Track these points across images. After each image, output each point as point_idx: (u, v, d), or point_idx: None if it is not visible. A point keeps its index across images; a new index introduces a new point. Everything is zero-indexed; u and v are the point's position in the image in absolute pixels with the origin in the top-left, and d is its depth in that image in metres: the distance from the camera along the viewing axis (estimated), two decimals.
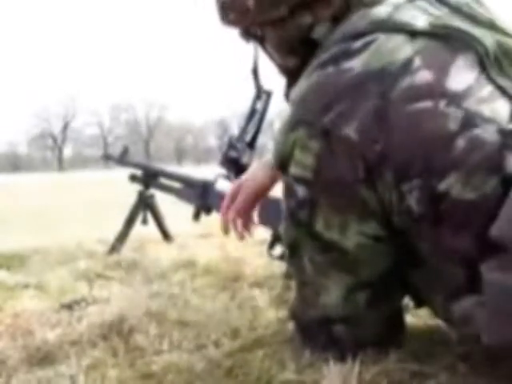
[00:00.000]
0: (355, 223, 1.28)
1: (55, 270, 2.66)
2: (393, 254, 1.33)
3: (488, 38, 1.24)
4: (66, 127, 72.56)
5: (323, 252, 1.34)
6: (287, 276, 2.16)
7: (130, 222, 3.12)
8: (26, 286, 2.36)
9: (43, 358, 1.53)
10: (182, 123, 77.77)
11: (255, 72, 1.88)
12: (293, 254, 1.43)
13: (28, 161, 73.36)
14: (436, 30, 1.25)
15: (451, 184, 1.14)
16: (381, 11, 1.31)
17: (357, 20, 1.33)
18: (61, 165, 69.25)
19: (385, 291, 1.39)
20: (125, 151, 3.21)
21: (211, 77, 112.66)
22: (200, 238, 3.62)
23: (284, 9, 1.44)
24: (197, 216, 2.77)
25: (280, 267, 2.37)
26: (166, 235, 3.37)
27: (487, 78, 1.22)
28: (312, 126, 1.27)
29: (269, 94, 2.36)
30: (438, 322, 1.52)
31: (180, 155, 74.16)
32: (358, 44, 1.26)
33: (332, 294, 1.37)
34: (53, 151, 73.85)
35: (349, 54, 1.26)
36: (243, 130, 2.41)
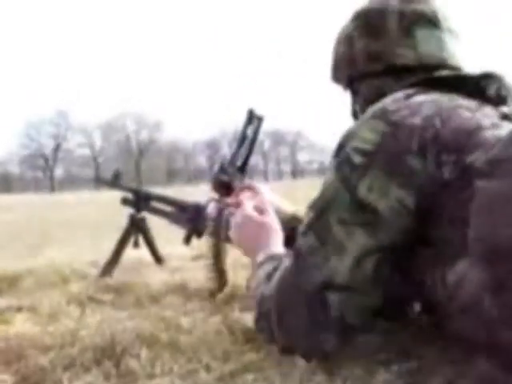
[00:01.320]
0: (396, 189, 1.51)
1: (47, 293, 2.66)
2: (410, 230, 1.53)
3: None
4: (57, 148, 72.47)
5: (356, 211, 1.54)
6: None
7: (121, 245, 3.13)
8: (19, 309, 2.36)
9: (36, 382, 1.54)
10: (173, 143, 77.82)
11: (355, 116, 2.06)
12: (319, 217, 1.61)
13: (19, 181, 73.09)
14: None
15: (475, 158, 1.41)
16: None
17: None
18: (52, 185, 69.10)
19: (390, 265, 1.55)
20: (117, 174, 3.23)
21: (201, 97, 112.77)
22: (192, 261, 3.63)
23: (379, 65, 1.90)
24: (188, 240, 2.79)
25: None
26: (157, 258, 3.37)
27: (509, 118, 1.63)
28: (381, 116, 1.60)
29: (260, 119, 2.39)
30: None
31: (171, 175, 74.18)
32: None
33: (348, 255, 1.53)
34: (44, 171, 73.73)
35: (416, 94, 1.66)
36: (234, 155, 2.45)
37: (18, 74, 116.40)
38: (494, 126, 1.52)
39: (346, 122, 1.89)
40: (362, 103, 2.00)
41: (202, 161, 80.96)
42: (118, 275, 3.05)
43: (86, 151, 75.61)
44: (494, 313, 1.17)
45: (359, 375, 1.44)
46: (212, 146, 79.12)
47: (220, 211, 2.48)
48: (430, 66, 1.85)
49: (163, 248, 3.44)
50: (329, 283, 1.54)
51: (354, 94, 2.05)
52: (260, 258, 1.88)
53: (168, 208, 2.99)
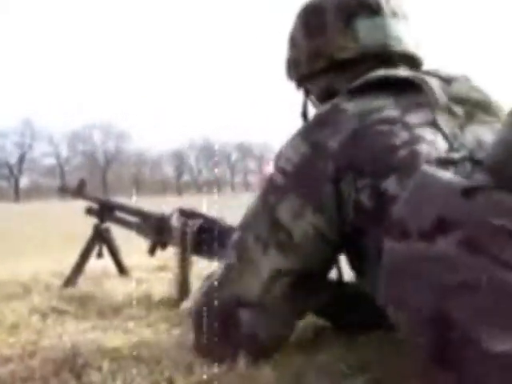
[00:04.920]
0: (310, 213, 1.54)
1: (9, 304, 2.62)
2: (325, 254, 1.61)
3: (439, 90, 1.61)
4: (22, 157, 71.96)
5: (273, 231, 1.59)
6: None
7: (85, 255, 3.10)
8: None
9: None
10: (140, 154, 77.63)
11: (304, 116, 2.10)
12: (240, 235, 1.69)
13: None
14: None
15: (390, 183, 1.42)
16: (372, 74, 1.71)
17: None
18: (17, 195, 68.56)
19: (301, 288, 1.61)
20: (81, 184, 3.21)
21: (168, 107, 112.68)
22: (156, 272, 3.60)
23: (322, 62, 1.90)
24: (152, 250, 2.78)
25: None
26: (121, 269, 3.34)
27: (435, 123, 1.54)
28: (306, 136, 1.64)
29: None
30: None
31: (137, 186, 73.94)
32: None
33: (261, 273, 1.59)
34: (9, 181, 73.12)
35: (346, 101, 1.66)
36: None
37: None
38: (410, 141, 1.47)
39: None
40: (315, 103, 2.06)
41: (169, 171, 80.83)
42: (81, 286, 3.02)
43: (52, 160, 75.20)
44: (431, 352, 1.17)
45: None
46: (179, 157, 79.04)
47: (185, 222, 2.48)
48: (374, 55, 1.84)
49: (127, 258, 3.41)
50: (241, 300, 1.60)
51: (307, 94, 2.08)
52: None
53: (132, 218, 2.98)
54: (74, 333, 2.04)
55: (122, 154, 76.75)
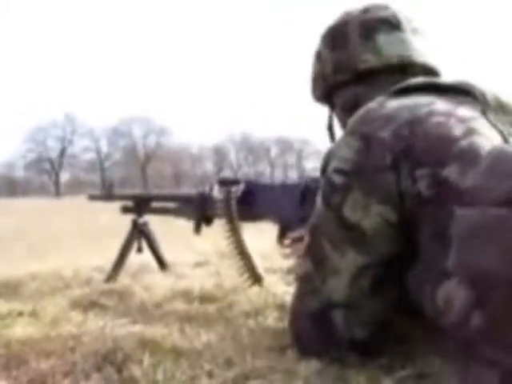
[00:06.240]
0: (376, 205, 1.55)
1: (50, 298, 2.64)
2: (400, 242, 1.56)
3: (490, 95, 1.65)
4: (63, 153, 72.41)
5: (344, 230, 1.60)
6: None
7: (124, 251, 3.13)
8: (21, 314, 2.34)
9: None
10: (180, 148, 77.75)
11: (330, 129, 2.20)
12: (312, 241, 1.70)
13: (25, 185, 72.99)
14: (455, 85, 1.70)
15: (450, 171, 1.42)
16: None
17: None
18: (58, 190, 69.08)
19: (385, 278, 1.60)
20: (110, 188, 3.24)
21: (209, 102, 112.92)
22: (195, 267, 3.61)
23: (346, 74, 1.99)
24: (198, 228, 2.79)
25: (274, 296, 2.38)
26: (161, 263, 3.36)
27: (486, 117, 1.60)
28: (355, 131, 1.66)
29: None
30: None
31: (177, 180, 74.15)
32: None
33: (343, 274, 1.60)
34: (50, 176, 73.64)
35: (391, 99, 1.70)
36: None
37: (25, 77, 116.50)
38: (468, 133, 1.50)
39: None
40: (340, 115, 2.13)
41: (209, 166, 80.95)
42: (122, 280, 3.04)
43: (92, 155, 75.58)
44: (481, 329, 1.20)
45: (361, 382, 1.43)
46: (219, 152, 79.09)
47: (227, 190, 2.50)
48: (396, 66, 1.94)
49: (168, 254, 3.42)
50: (330, 303, 1.61)
51: (332, 108, 2.16)
52: None
53: (170, 204, 2.99)
54: (115, 327, 2.04)
55: (162, 149, 76.86)
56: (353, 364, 1.54)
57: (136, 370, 1.58)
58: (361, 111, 1.71)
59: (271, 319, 2.14)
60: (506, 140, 1.55)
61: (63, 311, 2.36)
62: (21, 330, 2.05)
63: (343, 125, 2.10)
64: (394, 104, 1.66)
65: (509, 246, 1.19)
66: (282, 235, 2.30)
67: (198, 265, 3.67)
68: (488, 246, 1.22)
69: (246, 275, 2.59)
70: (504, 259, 1.19)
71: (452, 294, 1.28)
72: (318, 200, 1.70)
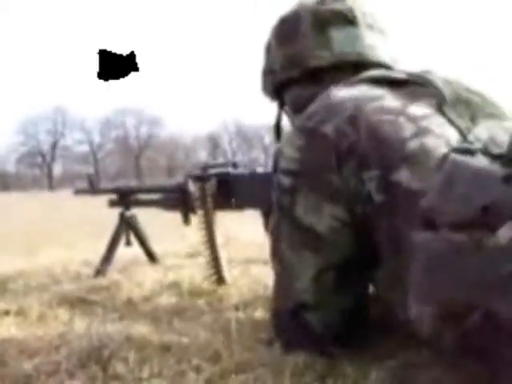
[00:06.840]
0: (327, 206, 1.51)
1: (38, 295, 2.62)
2: (359, 242, 1.51)
3: (449, 87, 1.58)
4: (55, 146, 72.23)
5: (300, 233, 1.57)
6: None
7: (113, 244, 3.12)
8: (7, 313, 2.31)
9: None
10: (173, 138, 77.71)
11: (277, 127, 2.15)
12: (274, 244, 1.68)
13: (17, 179, 72.78)
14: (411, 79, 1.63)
15: (401, 176, 1.36)
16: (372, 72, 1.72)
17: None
18: (51, 183, 68.97)
19: (350, 275, 1.57)
20: (91, 181, 3.22)
21: (201, 91, 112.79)
22: (185, 259, 3.59)
23: (296, 71, 1.92)
24: (186, 219, 2.79)
25: (265, 288, 2.36)
26: (150, 256, 3.34)
27: (442, 113, 1.50)
28: (300, 127, 1.62)
29: None
30: None
31: (171, 171, 74.20)
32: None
33: (304, 277, 1.57)
34: (42, 169, 73.49)
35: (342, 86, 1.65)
36: None
37: (13, 70, 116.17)
38: (418, 133, 1.42)
39: None
40: (289, 114, 2.07)
41: (203, 155, 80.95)
42: (111, 274, 3.02)
43: (85, 147, 75.42)
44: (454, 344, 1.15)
45: (350, 374, 1.43)
46: (213, 141, 79.02)
47: (202, 188, 2.50)
48: (348, 64, 1.86)
49: (157, 246, 3.41)
50: (300, 304, 1.60)
51: (282, 104, 2.10)
52: None
53: (155, 196, 2.99)
54: (102, 324, 2.02)
55: (155, 140, 76.78)
56: (340, 356, 1.52)
57: (121, 368, 1.56)
58: (307, 109, 1.66)
59: (260, 311, 2.13)
60: (464, 136, 1.44)
61: (50, 308, 2.33)
62: (5, 329, 2.04)
63: (292, 124, 2.05)
64: (339, 93, 1.61)
65: (470, 273, 1.11)
66: (267, 223, 2.28)
67: (190, 256, 3.66)
68: (449, 273, 1.14)
69: (211, 275, 2.62)
70: (466, 288, 1.11)
71: (420, 312, 1.22)
72: (274, 202, 1.68)
